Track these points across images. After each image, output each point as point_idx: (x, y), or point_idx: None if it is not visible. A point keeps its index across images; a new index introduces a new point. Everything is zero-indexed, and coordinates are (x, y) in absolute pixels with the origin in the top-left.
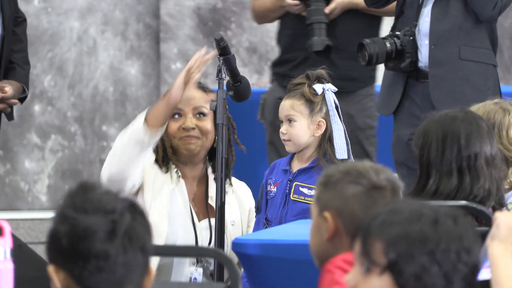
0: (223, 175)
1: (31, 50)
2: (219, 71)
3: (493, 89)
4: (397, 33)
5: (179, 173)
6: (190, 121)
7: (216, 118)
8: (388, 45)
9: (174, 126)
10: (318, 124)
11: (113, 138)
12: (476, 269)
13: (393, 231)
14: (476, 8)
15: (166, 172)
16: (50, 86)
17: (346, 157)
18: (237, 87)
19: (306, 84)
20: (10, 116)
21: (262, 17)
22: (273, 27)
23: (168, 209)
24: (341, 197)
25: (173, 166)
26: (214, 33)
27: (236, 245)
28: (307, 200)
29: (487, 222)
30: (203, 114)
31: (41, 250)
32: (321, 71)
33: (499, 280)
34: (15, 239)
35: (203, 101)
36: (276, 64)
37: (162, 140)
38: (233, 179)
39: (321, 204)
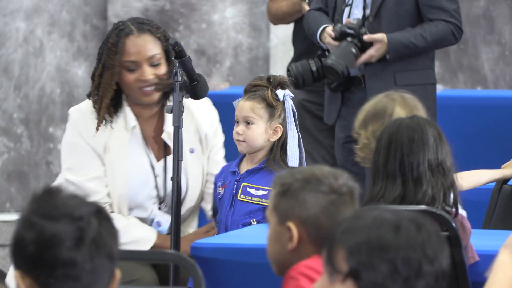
0: (180, 178)
1: None
2: (175, 74)
3: (433, 108)
4: (326, 53)
5: (133, 124)
6: (148, 72)
7: (172, 120)
8: (313, 66)
9: (130, 77)
10: (275, 130)
11: (59, 140)
12: (442, 276)
13: (354, 238)
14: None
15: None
16: None
17: (297, 165)
18: (194, 86)
19: (269, 89)
20: None
21: (278, 19)
22: (221, 29)
23: (128, 165)
24: (303, 206)
25: (126, 111)
26: None
27: (194, 248)
28: (254, 201)
29: (447, 226)
30: (156, 61)
31: None
32: (284, 77)
33: (491, 285)
34: None
35: (154, 46)
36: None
37: (104, 88)
38: (194, 102)
39: (281, 213)
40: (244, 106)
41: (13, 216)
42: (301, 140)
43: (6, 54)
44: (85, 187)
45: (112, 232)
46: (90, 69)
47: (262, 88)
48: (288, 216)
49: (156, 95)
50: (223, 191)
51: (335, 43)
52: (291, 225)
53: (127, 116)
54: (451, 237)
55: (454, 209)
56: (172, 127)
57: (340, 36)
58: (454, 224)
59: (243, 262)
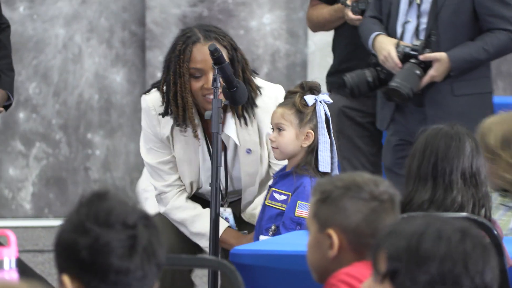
0: (218, 184)
1: (16, 57)
2: (214, 80)
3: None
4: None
5: (196, 131)
6: (212, 79)
7: (212, 127)
8: (368, 76)
9: (196, 85)
10: (306, 135)
11: (97, 146)
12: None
13: (395, 242)
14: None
15: (185, 127)
16: (35, 94)
17: (329, 171)
18: (233, 93)
19: (298, 94)
20: None
21: (318, 26)
22: (259, 35)
23: (193, 157)
24: (343, 214)
25: (193, 119)
26: None
27: (233, 255)
28: (276, 205)
29: (489, 234)
30: None
31: (25, 258)
32: (315, 82)
33: None
34: None
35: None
36: (331, 74)
37: (182, 98)
38: (263, 98)
39: (321, 220)
40: (275, 113)
41: (52, 222)
42: (334, 145)
43: (45, 60)
44: (159, 169)
45: (160, 240)
46: (128, 75)
47: (295, 94)
48: (329, 223)
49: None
50: None
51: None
52: (332, 232)
53: (193, 127)
54: (493, 245)
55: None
56: (231, 128)
57: (404, 58)
58: (496, 232)
59: (283, 269)
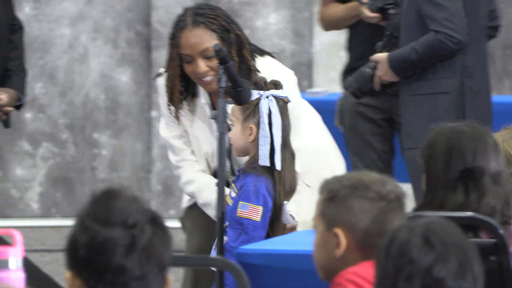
0: (223, 184)
1: None
2: (219, 79)
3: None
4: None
5: (203, 101)
6: (201, 65)
7: (217, 127)
8: (368, 69)
9: (188, 69)
10: (250, 130)
11: (104, 145)
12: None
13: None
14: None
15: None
16: (41, 94)
17: (267, 165)
18: (238, 92)
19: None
20: (6, 124)
21: (332, 25)
22: (264, 35)
23: (203, 133)
24: (350, 213)
25: (199, 89)
26: None
27: (240, 255)
28: (229, 202)
29: (494, 233)
30: (210, 54)
31: (33, 258)
32: (261, 77)
33: None
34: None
35: (206, 40)
36: (347, 72)
37: (171, 81)
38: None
39: (328, 219)
40: (229, 110)
41: (59, 222)
42: (276, 141)
43: (51, 60)
44: (173, 144)
45: (165, 241)
46: (134, 75)
47: None
48: (336, 222)
49: (216, 82)
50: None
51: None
52: (339, 231)
53: (200, 93)
54: (498, 244)
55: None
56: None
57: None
58: (501, 231)
59: (290, 268)
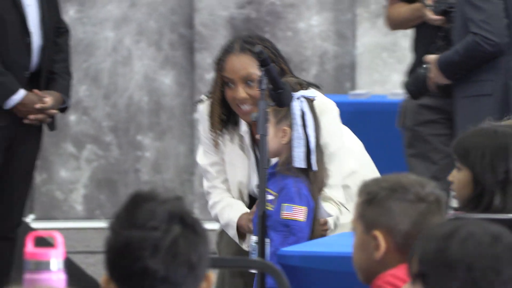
0: (264, 186)
1: None
2: (260, 82)
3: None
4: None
5: (244, 129)
6: (241, 91)
7: (258, 128)
8: (423, 70)
9: (229, 94)
10: (283, 132)
11: (147, 148)
12: None
13: (426, 245)
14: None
15: (234, 126)
16: (86, 96)
17: (303, 166)
18: (279, 94)
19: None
20: (51, 126)
21: (398, 25)
22: (307, 37)
23: (239, 162)
24: (389, 215)
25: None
26: None
27: (281, 256)
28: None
29: None
30: (252, 81)
31: (77, 260)
32: (293, 79)
33: None
34: None
35: (250, 66)
36: (411, 72)
37: (212, 104)
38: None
39: (368, 222)
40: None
41: (103, 224)
42: (312, 141)
43: (96, 63)
44: (207, 171)
45: (193, 241)
46: (177, 77)
47: None
48: (375, 224)
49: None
50: None
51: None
52: (378, 233)
53: (240, 122)
54: None
55: None
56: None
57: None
58: None
59: (330, 270)
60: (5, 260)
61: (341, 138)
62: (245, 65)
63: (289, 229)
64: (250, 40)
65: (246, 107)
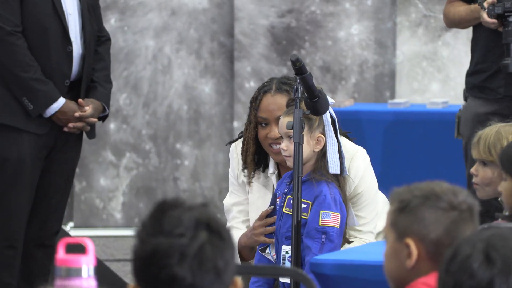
0: (300, 194)
1: None
2: (296, 90)
3: None
4: None
5: (272, 171)
6: (275, 131)
7: (293, 137)
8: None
9: (262, 133)
10: (317, 140)
11: (186, 156)
12: None
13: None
14: None
15: (263, 170)
16: (125, 104)
17: (339, 172)
18: (315, 103)
19: (302, 101)
20: (91, 135)
21: (454, 23)
22: (347, 46)
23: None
24: (422, 223)
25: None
26: (288, 51)
27: (313, 265)
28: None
29: None
30: None
31: (115, 268)
32: (318, 85)
33: None
34: None
35: (285, 107)
36: (470, 74)
37: (246, 143)
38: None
39: (400, 230)
40: (283, 122)
41: None
42: (341, 146)
43: (136, 71)
44: (230, 210)
45: (220, 247)
46: (217, 86)
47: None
48: (407, 233)
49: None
50: (279, 202)
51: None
52: (410, 242)
53: (269, 162)
54: None
55: None
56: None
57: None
58: None
59: (362, 278)
60: (43, 267)
61: (374, 184)
62: (281, 105)
63: (327, 236)
64: (287, 81)
65: (278, 147)
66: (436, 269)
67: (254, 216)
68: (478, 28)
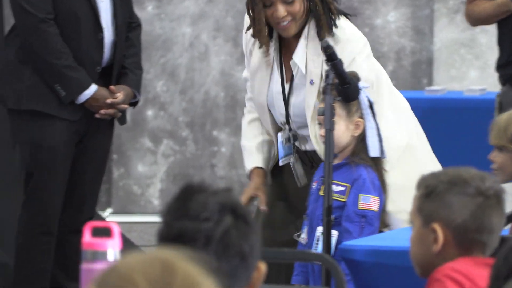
0: (330, 181)
1: (144, 56)
2: (327, 76)
3: None
4: None
5: (268, 50)
6: (280, 10)
7: (324, 123)
8: None
9: (267, 13)
10: (356, 124)
11: (223, 143)
12: None
13: None
14: None
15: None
16: (163, 91)
17: (379, 155)
18: (346, 89)
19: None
20: (122, 120)
21: (481, 21)
22: (383, 33)
23: (264, 78)
24: (448, 209)
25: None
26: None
27: (343, 250)
28: (333, 196)
29: None
30: (290, 0)
31: None
32: (353, 71)
33: None
34: (128, 242)
35: None
36: (502, 66)
37: (256, 24)
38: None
39: (426, 215)
40: (320, 109)
41: None
42: (380, 129)
43: (173, 58)
44: (247, 80)
45: (244, 231)
46: None
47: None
48: (433, 218)
49: (293, 29)
50: (315, 185)
51: None
52: (436, 227)
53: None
54: None
55: None
56: (300, 56)
57: None
58: None
59: (393, 264)
60: (78, 253)
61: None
62: None
63: (366, 219)
64: None
65: (285, 23)
66: (462, 255)
67: (254, 86)
68: (506, 21)
